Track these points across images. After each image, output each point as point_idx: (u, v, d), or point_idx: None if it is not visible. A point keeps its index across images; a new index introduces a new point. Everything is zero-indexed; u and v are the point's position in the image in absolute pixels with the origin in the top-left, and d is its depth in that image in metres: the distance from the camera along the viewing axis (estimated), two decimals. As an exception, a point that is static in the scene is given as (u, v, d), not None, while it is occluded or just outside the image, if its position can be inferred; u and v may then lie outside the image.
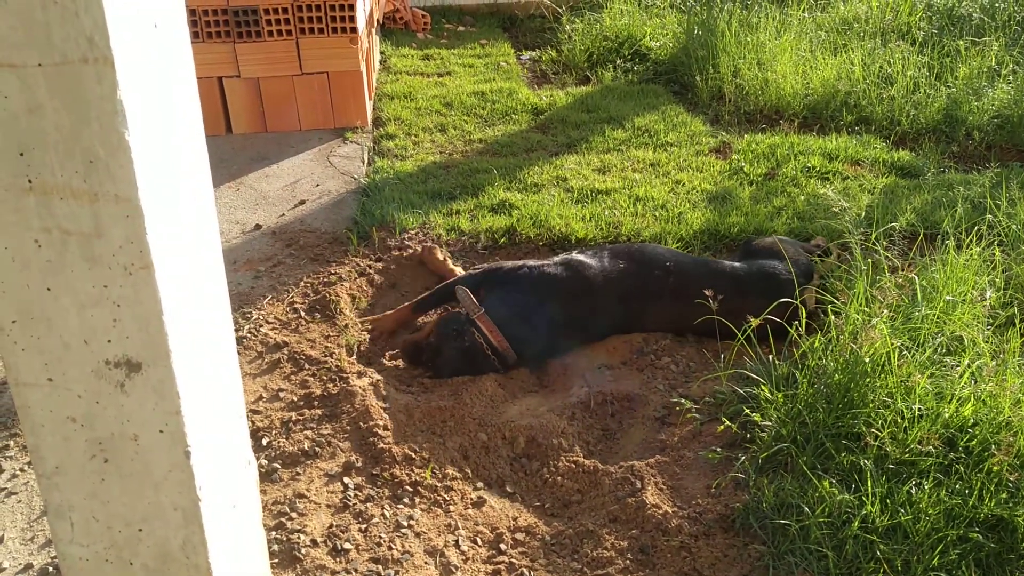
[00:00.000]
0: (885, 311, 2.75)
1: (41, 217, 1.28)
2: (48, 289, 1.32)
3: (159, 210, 1.33)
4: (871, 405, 2.51)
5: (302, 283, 3.62)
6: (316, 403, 2.92)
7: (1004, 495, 2.28)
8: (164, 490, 1.48)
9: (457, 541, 2.44)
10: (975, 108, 5.22)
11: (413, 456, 2.69)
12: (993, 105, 5.22)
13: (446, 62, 6.73)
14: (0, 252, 1.29)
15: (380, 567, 2.33)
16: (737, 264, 3.37)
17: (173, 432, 1.43)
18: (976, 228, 3.31)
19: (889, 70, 5.70)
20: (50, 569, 2.32)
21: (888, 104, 5.38)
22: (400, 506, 2.54)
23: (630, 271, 3.28)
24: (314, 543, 2.39)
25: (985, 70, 5.61)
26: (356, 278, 3.66)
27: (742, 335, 2.85)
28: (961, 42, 5.92)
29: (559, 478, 2.66)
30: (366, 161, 4.93)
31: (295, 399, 2.95)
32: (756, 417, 2.66)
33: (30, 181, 1.26)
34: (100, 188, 1.26)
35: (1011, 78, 5.49)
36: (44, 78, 1.21)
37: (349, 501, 2.54)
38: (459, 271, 3.58)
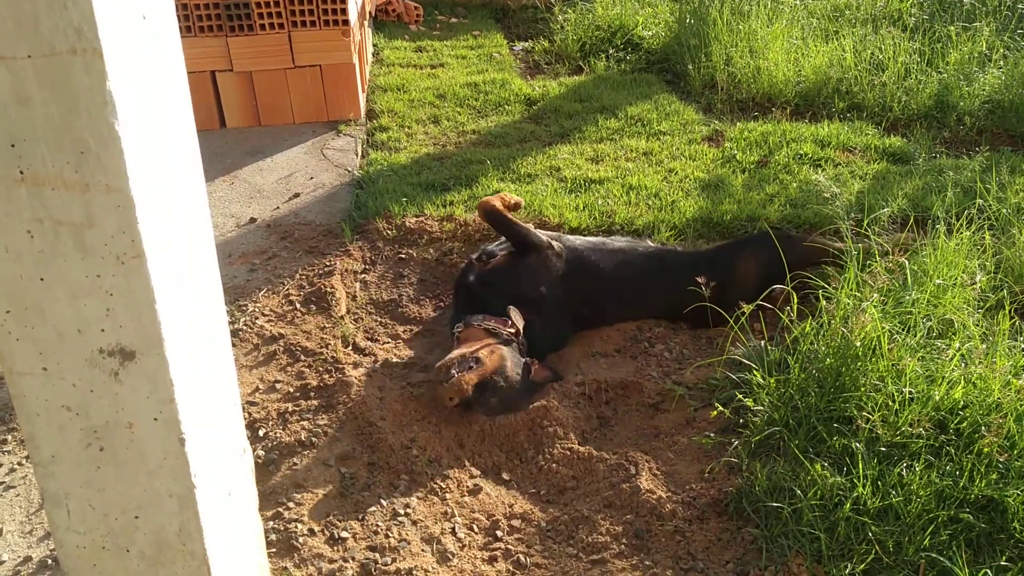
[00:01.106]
0: (876, 295, 2.76)
1: (33, 208, 1.29)
2: (41, 279, 1.33)
3: (150, 200, 1.34)
4: (862, 389, 2.53)
5: (297, 275, 3.63)
6: (312, 394, 2.94)
7: (994, 476, 2.30)
8: (159, 478, 1.49)
9: (454, 528, 2.46)
10: (966, 93, 5.23)
11: (409, 445, 2.70)
12: (984, 90, 5.23)
13: (439, 54, 6.73)
14: (-7, 243, 1.31)
15: (377, 555, 2.35)
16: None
17: (167, 420, 1.45)
18: (967, 212, 3.32)
19: (880, 56, 5.71)
20: (49, 561, 2.33)
21: (880, 90, 5.39)
22: (396, 495, 2.55)
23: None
24: (311, 532, 2.41)
25: (976, 55, 5.63)
26: (351, 270, 3.67)
27: (736, 324, 2.87)
28: (952, 28, 5.93)
29: (554, 465, 2.68)
30: (360, 153, 4.93)
31: (291, 390, 2.96)
32: (749, 402, 2.68)
33: (21, 172, 1.27)
34: (91, 178, 1.27)
35: (1002, 63, 5.50)
36: (33, 69, 1.22)
37: (346, 490, 2.56)
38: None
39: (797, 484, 2.38)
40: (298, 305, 3.43)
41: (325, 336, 3.23)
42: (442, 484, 2.61)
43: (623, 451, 2.68)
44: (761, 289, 3.12)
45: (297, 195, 4.39)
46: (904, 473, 2.33)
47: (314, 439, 2.73)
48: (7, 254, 1.32)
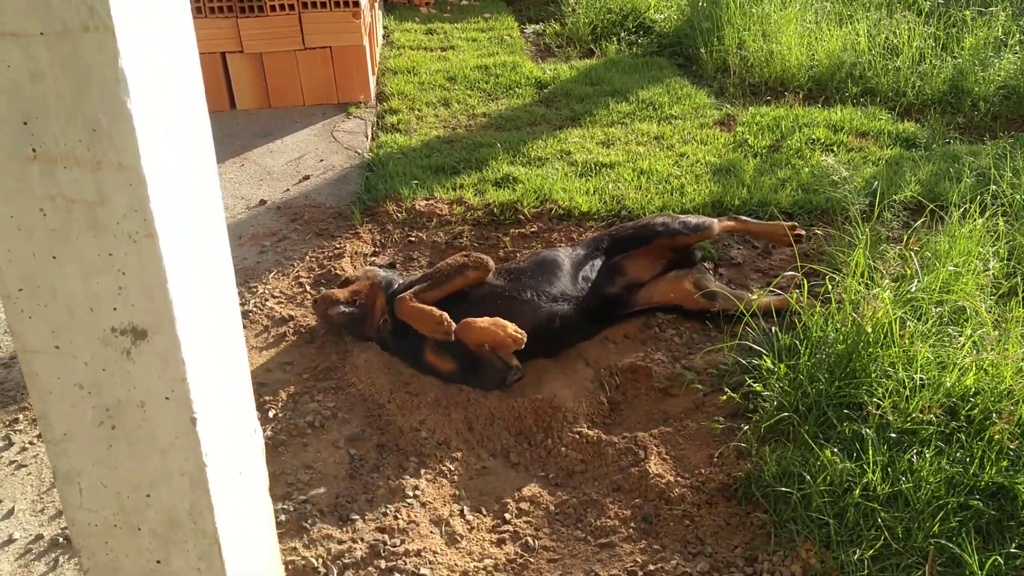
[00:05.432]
0: (887, 281, 2.75)
1: (45, 186, 1.29)
2: (53, 257, 1.33)
3: (162, 178, 1.34)
4: (873, 375, 2.52)
5: (307, 257, 3.63)
6: (322, 376, 2.94)
7: (1005, 463, 2.29)
8: (171, 456, 1.50)
9: (462, 511, 2.46)
10: (981, 79, 5.19)
11: (418, 427, 2.71)
12: (999, 76, 5.19)
13: (449, 36, 6.70)
14: (6, 221, 1.30)
15: (386, 536, 2.35)
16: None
17: (179, 399, 1.45)
18: (980, 199, 3.30)
19: (895, 41, 5.66)
20: (60, 539, 2.35)
21: (893, 75, 5.35)
22: (406, 476, 2.56)
23: None
24: (321, 513, 2.42)
25: (991, 40, 5.57)
26: (360, 253, 3.67)
27: (748, 312, 2.86)
28: (967, 12, 5.87)
29: (563, 448, 2.68)
30: (370, 136, 4.92)
31: (301, 372, 2.97)
32: (758, 387, 2.68)
33: (34, 150, 1.27)
34: (103, 156, 1.27)
35: (1017, 48, 5.44)
36: (46, 47, 1.21)
37: (355, 472, 2.57)
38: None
39: (806, 469, 2.38)
40: (308, 287, 3.43)
41: (335, 318, 3.23)
42: (451, 467, 2.62)
43: (632, 435, 2.68)
44: None
45: (307, 177, 4.39)
46: (914, 459, 2.32)
47: (323, 421, 2.74)
48: (20, 232, 1.32)
